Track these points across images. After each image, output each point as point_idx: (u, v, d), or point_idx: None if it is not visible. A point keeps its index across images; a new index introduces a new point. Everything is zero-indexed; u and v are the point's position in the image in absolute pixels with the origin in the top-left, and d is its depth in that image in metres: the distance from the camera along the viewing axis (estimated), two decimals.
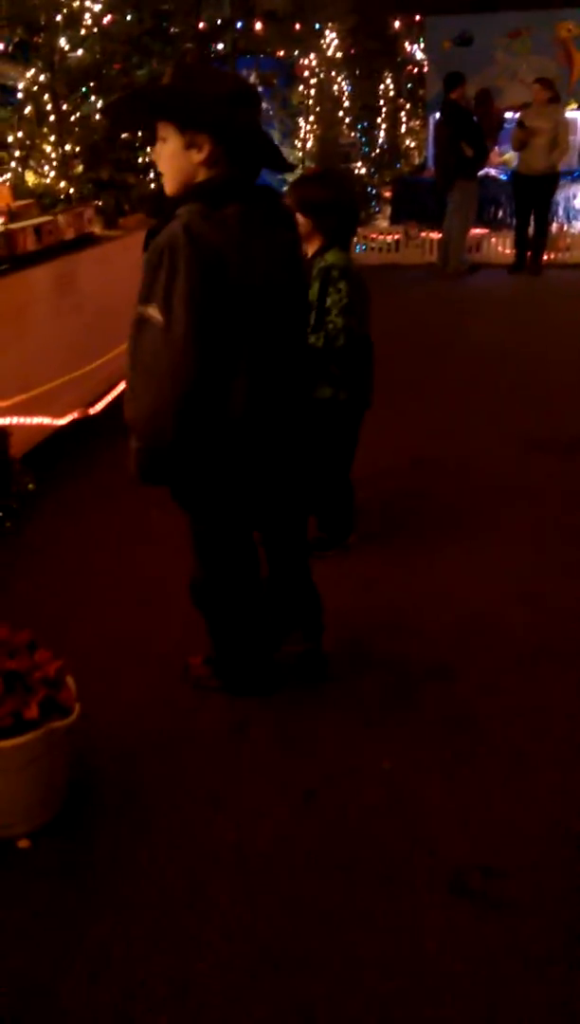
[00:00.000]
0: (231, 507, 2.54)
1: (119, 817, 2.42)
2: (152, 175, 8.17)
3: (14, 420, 2.80)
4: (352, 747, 2.66)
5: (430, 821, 2.38)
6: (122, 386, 4.28)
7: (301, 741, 2.70)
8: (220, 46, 8.65)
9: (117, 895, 2.18)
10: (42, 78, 7.41)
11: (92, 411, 3.92)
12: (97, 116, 7.81)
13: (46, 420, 3.58)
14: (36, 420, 3.38)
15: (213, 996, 1.93)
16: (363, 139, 12.17)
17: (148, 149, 8.15)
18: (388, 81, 12.62)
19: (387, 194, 12.01)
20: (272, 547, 2.82)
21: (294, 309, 2.53)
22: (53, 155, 7.53)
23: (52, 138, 7.55)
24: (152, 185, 8.26)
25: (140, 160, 7.95)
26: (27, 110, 7.48)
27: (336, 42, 10.64)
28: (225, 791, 2.51)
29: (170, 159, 2.29)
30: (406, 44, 13.17)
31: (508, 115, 10.52)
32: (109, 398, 4.19)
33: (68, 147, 7.59)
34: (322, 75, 10.69)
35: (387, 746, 2.66)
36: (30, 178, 7.47)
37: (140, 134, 8.03)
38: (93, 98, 7.97)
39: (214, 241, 2.19)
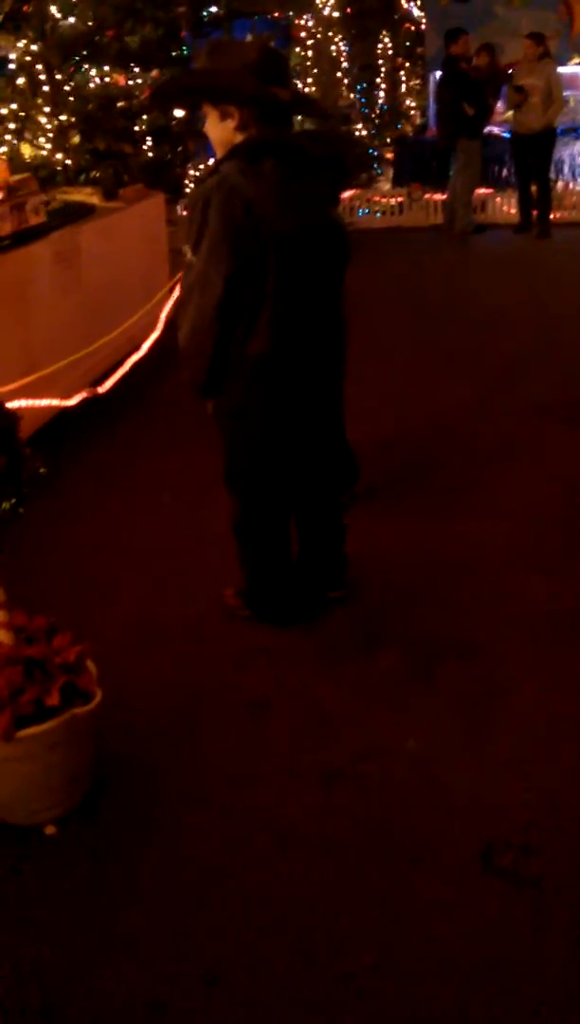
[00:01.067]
0: (259, 441, 2.76)
1: (143, 801, 2.40)
2: (149, 143, 8.03)
3: (23, 403, 2.74)
4: (375, 726, 2.63)
5: (458, 799, 2.36)
6: (129, 364, 4.27)
7: (322, 721, 2.67)
8: (213, 8, 8.45)
9: (145, 879, 2.17)
10: (34, 47, 7.26)
11: (100, 390, 3.86)
12: (92, 85, 7.67)
13: (54, 402, 3.52)
14: (44, 402, 3.32)
15: (246, 983, 1.92)
16: (363, 100, 11.94)
17: (143, 117, 8.01)
18: (386, 40, 12.37)
19: (389, 156, 11.80)
20: (303, 491, 3.00)
21: (328, 255, 2.71)
22: (49, 126, 7.40)
23: (47, 109, 7.41)
24: (150, 154, 8.13)
25: (137, 129, 7.80)
26: (20, 81, 7.34)
27: (332, 1, 10.41)
28: (249, 773, 2.48)
29: (212, 130, 2.64)
30: (403, 2, 12.90)
31: (511, 72, 10.28)
32: (116, 376, 4.12)
33: (64, 118, 7.45)
34: (319, 36, 10.47)
35: (411, 724, 2.63)
36: (26, 151, 7.35)
37: (134, 102, 7.89)
38: (87, 67, 7.81)
39: (248, 192, 2.49)
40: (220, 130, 2.62)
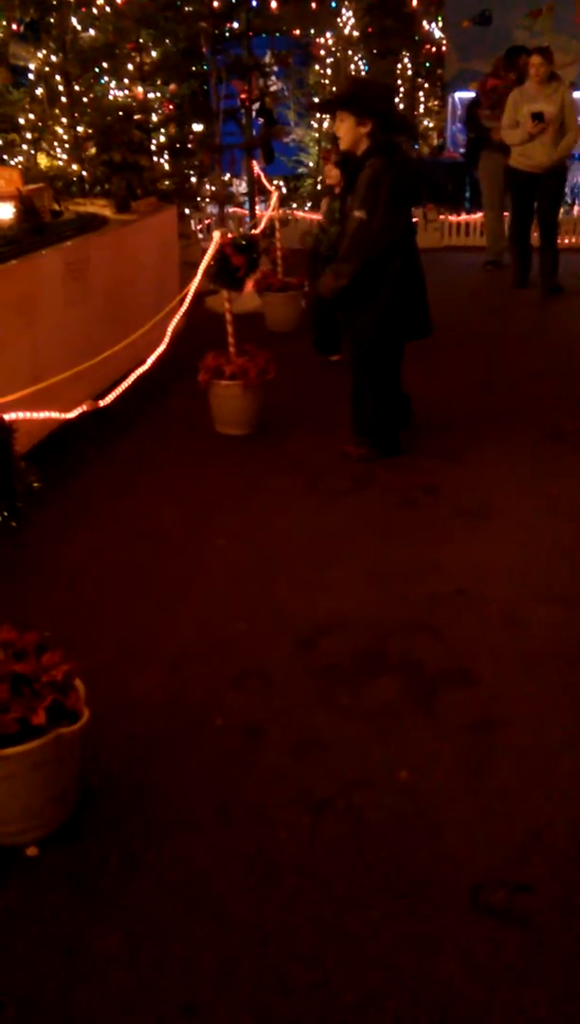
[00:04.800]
0: (394, 322, 4.34)
1: (128, 824, 2.35)
2: (165, 157, 8.05)
3: (20, 415, 2.71)
4: (368, 755, 2.58)
5: (450, 833, 2.30)
6: (133, 378, 4.24)
7: (314, 747, 2.62)
8: (234, 25, 8.49)
9: (126, 905, 2.12)
10: (54, 58, 7.30)
11: (102, 403, 3.84)
12: (109, 97, 7.70)
13: (53, 415, 3.49)
14: (43, 415, 3.29)
15: (219, 1013, 1.87)
16: None
17: (161, 130, 8.03)
18: (406, 60, 12.40)
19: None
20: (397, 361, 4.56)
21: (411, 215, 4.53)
22: (65, 137, 7.43)
23: (64, 120, 7.44)
24: (166, 167, 8.15)
25: (152, 142, 7.83)
26: (39, 91, 7.39)
27: (353, 20, 10.44)
28: (236, 797, 2.44)
29: (348, 130, 4.14)
30: (424, 22, 12.95)
31: (495, 89, 9.97)
32: (120, 389, 4.10)
33: (81, 129, 7.49)
34: (339, 54, 10.50)
35: (406, 753, 2.58)
36: (42, 161, 7.38)
37: (154, 118, 7.92)
38: (105, 79, 7.85)
39: (392, 175, 4.08)
40: (354, 132, 4.12)
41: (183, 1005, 1.89)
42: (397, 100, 11.91)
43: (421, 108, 12.67)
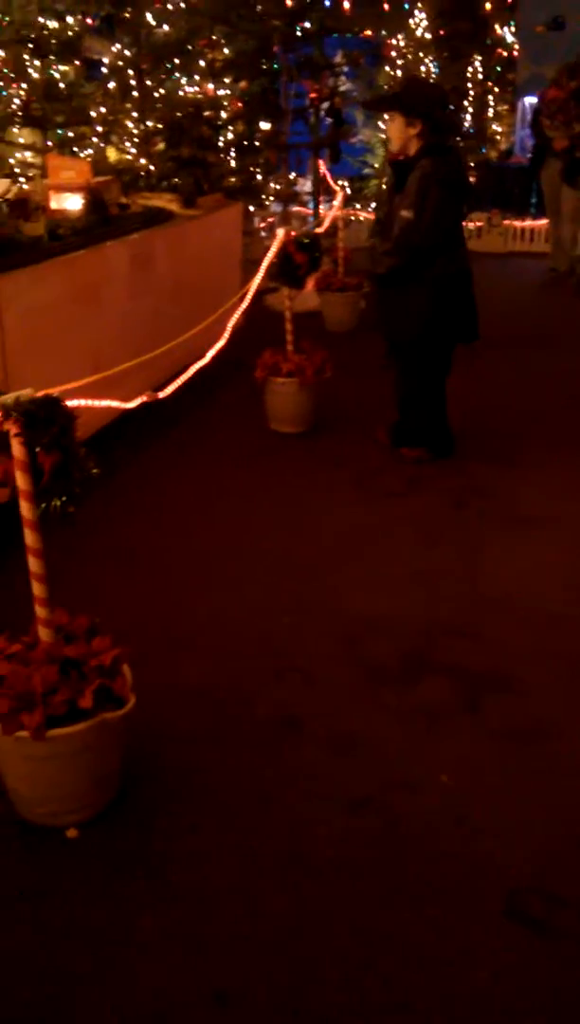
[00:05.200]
0: (431, 326, 4.26)
1: (168, 811, 2.38)
2: (233, 154, 8.09)
3: (82, 403, 2.75)
4: (409, 756, 2.58)
5: (489, 840, 2.29)
6: (191, 372, 4.28)
7: (355, 746, 2.62)
8: (307, 24, 8.50)
9: (162, 891, 2.15)
10: (127, 53, 7.38)
11: (161, 395, 3.88)
12: (180, 93, 7.77)
13: (114, 403, 3.54)
14: (104, 403, 3.34)
15: (252, 1006, 1.88)
16: None
17: (229, 127, 8.07)
18: (477, 64, 12.31)
19: (471, 179, 11.72)
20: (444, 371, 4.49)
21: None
22: (135, 131, 7.51)
23: (135, 114, 7.52)
24: (233, 164, 8.19)
25: (221, 140, 7.88)
26: (111, 85, 7.47)
27: (425, 23, 10.40)
28: (276, 790, 2.45)
29: (397, 130, 4.17)
30: (496, 26, 12.83)
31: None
32: (178, 382, 4.14)
33: (150, 123, 7.56)
34: (410, 56, 10.46)
35: (448, 757, 2.57)
36: (112, 154, 7.46)
37: (223, 114, 7.96)
38: (177, 75, 7.92)
39: (441, 177, 4.07)
40: (403, 131, 4.14)
41: (215, 993, 1.91)
42: (465, 103, 11.84)
43: (491, 112, 12.57)
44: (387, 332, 4.47)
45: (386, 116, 4.35)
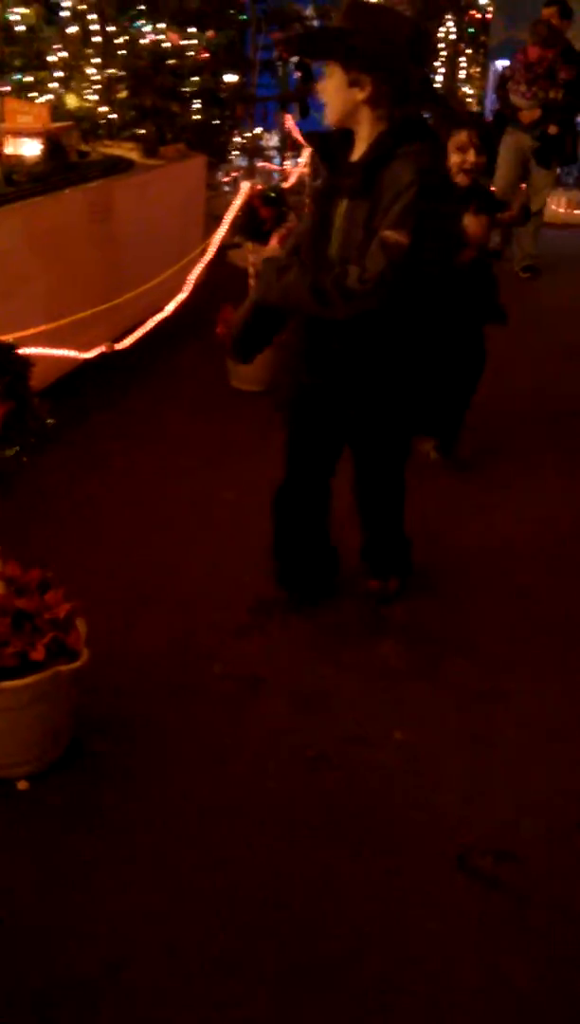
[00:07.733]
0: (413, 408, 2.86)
1: (121, 766, 2.35)
2: (197, 104, 7.91)
3: (37, 351, 2.68)
4: (368, 713, 2.57)
5: (443, 797, 2.29)
6: (151, 324, 4.19)
7: (314, 702, 2.61)
8: None
9: (114, 845, 2.13)
10: None
11: (119, 346, 3.79)
12: (143, 41, 7.55)
13: (71, 353, 3.45)
14: (60, 352, 3.25)
15: (204, 957, 1.87)
16: None
17: (193, 79, 7.88)
18: (450, 24, 12.14)
19: None
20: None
21: None
22: (97, 78, 7.29)
23: (96, 60, 7.30)
24: (196, 116, 8.01)
25: (185, 89, 7.69)
26: (71, 30, 7.23)
27: None
28: (232, 746, 2.43)
29: (334, 94, 2.45)
30: None
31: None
32: (138, 334, 4.05)
33: (112, 71, 7.34)
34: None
35: (406, 715, 2.57)
36: (71, 101, 7.24)
37: (186, 62, 7.76)
38: (142, 22, 7.69)
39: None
40: (343, 94, 2.44)
41: (167, 945, 1.89)
42: (436, 65, 11.69)
43: (462, 74, 12.44)
44: (337, 394, 2.75)
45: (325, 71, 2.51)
